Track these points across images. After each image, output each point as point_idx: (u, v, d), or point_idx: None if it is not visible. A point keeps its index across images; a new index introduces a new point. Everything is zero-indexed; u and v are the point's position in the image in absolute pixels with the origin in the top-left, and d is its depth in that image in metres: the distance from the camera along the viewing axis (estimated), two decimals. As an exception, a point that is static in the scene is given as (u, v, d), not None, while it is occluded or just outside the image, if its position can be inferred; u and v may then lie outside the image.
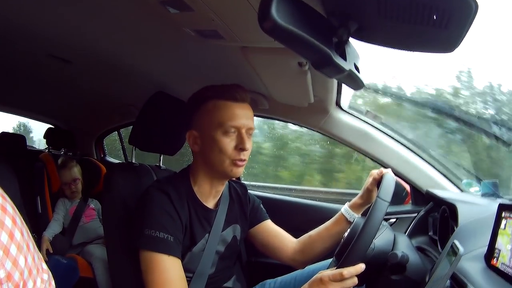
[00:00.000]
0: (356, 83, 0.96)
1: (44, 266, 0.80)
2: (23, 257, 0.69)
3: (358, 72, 0.91)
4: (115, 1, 1.32)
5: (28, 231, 0.75)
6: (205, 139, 1.51)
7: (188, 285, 1.49)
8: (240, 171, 1.51)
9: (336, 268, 1.25)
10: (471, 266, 1.18)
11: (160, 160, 2.04)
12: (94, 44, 1.79)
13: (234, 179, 1.73)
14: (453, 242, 1.11)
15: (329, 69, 0.78)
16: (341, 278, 1.22)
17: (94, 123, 3.93)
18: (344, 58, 0.80)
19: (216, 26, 1.24)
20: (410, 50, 0.83)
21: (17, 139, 3.50)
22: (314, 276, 1.29)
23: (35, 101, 3.57)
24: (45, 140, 3.92)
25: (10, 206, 0.70)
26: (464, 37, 0.73)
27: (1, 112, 4.21)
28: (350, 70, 0.83)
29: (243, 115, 1.49)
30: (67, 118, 4.11)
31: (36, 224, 2.99)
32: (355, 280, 1.24)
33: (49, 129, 4.04)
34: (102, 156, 4.33)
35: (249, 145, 1.49)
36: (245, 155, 1.50)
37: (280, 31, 0.66)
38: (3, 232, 0.65)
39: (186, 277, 1.45)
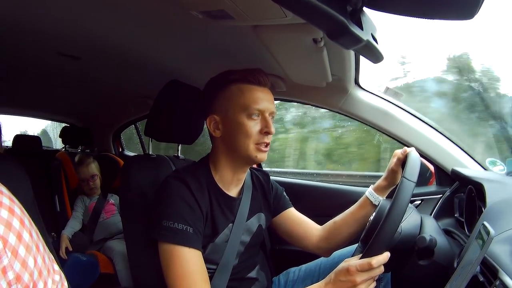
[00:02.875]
0: (375, 55, 0.91)
1: (56, 267, 0.80)
2: (33, 258, 0.69)
3: (377, 43, 0.86)
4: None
5: (38, 232, 0.75)
6: (228, 123, 1.49)
7: (212, 277, 1.47)
8: (264, 156, 1.50)
9: (362, 254, 1.21)
10: (501, 249, 1.11)
11: (178, 150, 2.02)
12: (102, 38, 1.78)
13: (255, 166, 1.69)
14: (483, 224, 1.05)
15: (346, 39, 0.74)
16: (369, 268, 1.17)
17: (110, 118, 3.96)
18: (361, 27, 0.75)
19: (223, 5, 1.20)
20: (428, 18, 0.77)
21: (32, 140, 3.58)
22: (340, 265, 1.25)
23: (49, 101, 3.62)
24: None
25: (18, 208, 0.70)
26: (483, 0, 0.67)
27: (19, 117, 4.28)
28: (368, 41, 0.78)
29: (266, 99, 1.49)
30: (82, 115, 4.17)
31: (55, 223, 3.04)
32: (382, 269, 1.20)
33: (64, 127, 4.09)
34: (120, 150, 4.36)
35: (273, 129, 1.48)
36: (269, 139, 1.49)
37: (290, -1, 0.61)
38: (11, 233, 0.65)
39: (209, 268, 1.43)
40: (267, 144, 1.48)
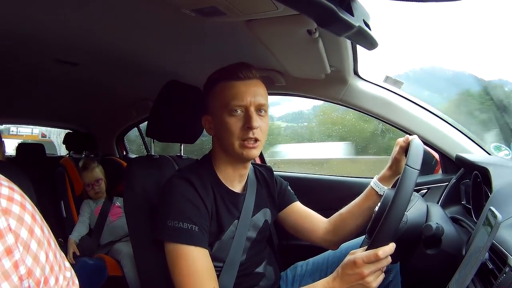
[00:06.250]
0: (368, 41, 0.90)
1: (67, 264, 0.80)
2: (44, 253, 0.69)
3: (369, 29, 0.84)
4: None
5: (49, 228, 0.75)
6: (216, 122, 1.49)
7: (219, 274, 1.47)
8: (252, 153, 1.46)
9: (368, 245, 1.20)
10: (510, 234, 1.09)
11: (180, 150, 2.03)
12: (98, 42, 1.80)
13: (259, 161, 1.68)
14: (489, 209, 1.03)
15: (336, 26, 0.73)
16: (376, 259, 1.16)
17: (112, 122, 3.99)
18: (351, 14, 0.73)
19: (214, 1, 1.19)
20: (416, 0, 0.75)
21: (35, 148, 3.62)
22: (346, 258, 1.24)
23: (50, 109, 3.67)
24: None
25: (29, 204, 0.70)
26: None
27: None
28: (360, 27, 0.76)
29: (249, 93, 1.44)
30: (84, 121, 4.19)
31: (61, 228, 3.05)
32: (389, 259, 1.19)
33: (67, 134, 4.09)
34: (124, 154, 4.36)
35: (257, 123, 1.43)
36: (256, 133, 1.43)
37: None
38: (23, 228, 0.65)
39: (216, 266, 1.43)
40: (255, 140, 1.44)
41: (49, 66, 2.12)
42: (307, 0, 0.63)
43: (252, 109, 1.43)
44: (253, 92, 1.45)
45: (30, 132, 12.42)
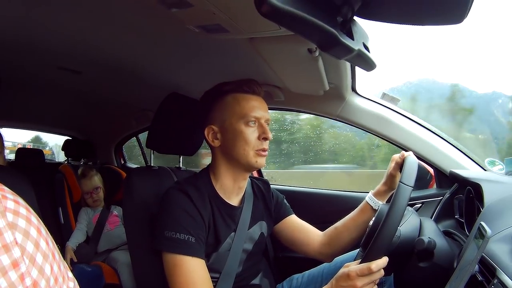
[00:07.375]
0: (367, 63, 0.93)
1: (70, 274, 0.80)
2: (49, 265, 0.70)
3: (368, 52, 0.88)
4: (118, 8, 1.33)
5: (53, 240, 0.76)
6: (227, 132, 1.52)
7: (215, 285, 1.48)
8: (263, 162, 1.52)
9: (362, 259, 1.23)
10: (500, 248, 1.12)
11: (179, 161, 2.05)
12: (102, 52, 1.82)
13: (256, 174, 1.70)
14: (480, 224, 1.07)
15: (337, 50, 0.75)
16: (369, 272, 1.18)
17: (111, 130, 3.99)
18: (352, 38, 0.77)
19: (219, 19, 1.23)
20: (418, 24, 0.78)
21: (34, 153, 3.61)
22: (340, 271, 1.26)
23: (50, 115, 3.68)
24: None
25: (34, 217, 0.71)
26: (472, 3, 0.69)
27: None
28: (359, 50, 0.79)
29: (261, 107, 1.52)
30: (84, 128, 4.20)
31: (59, 235, 3.04)
32: (382, 272, 1.21)
33: (66, 141, 4.10)
34: (122, 162, 4.36)
35: (270, 134, 1.50)
36: (267, 145, 1.52)
37: (279, 14, 0.63)
38: (29, 241, 0.66)
39: (213, 277, 1.45)
40: (265, 150, 1.51)
41: (52, 73, 2.14)
42: (309, 25, 0.66)
43: (263, 122, 1.51)
44: (264, 107, 1.54)
45: (11, 144, 12.61)
